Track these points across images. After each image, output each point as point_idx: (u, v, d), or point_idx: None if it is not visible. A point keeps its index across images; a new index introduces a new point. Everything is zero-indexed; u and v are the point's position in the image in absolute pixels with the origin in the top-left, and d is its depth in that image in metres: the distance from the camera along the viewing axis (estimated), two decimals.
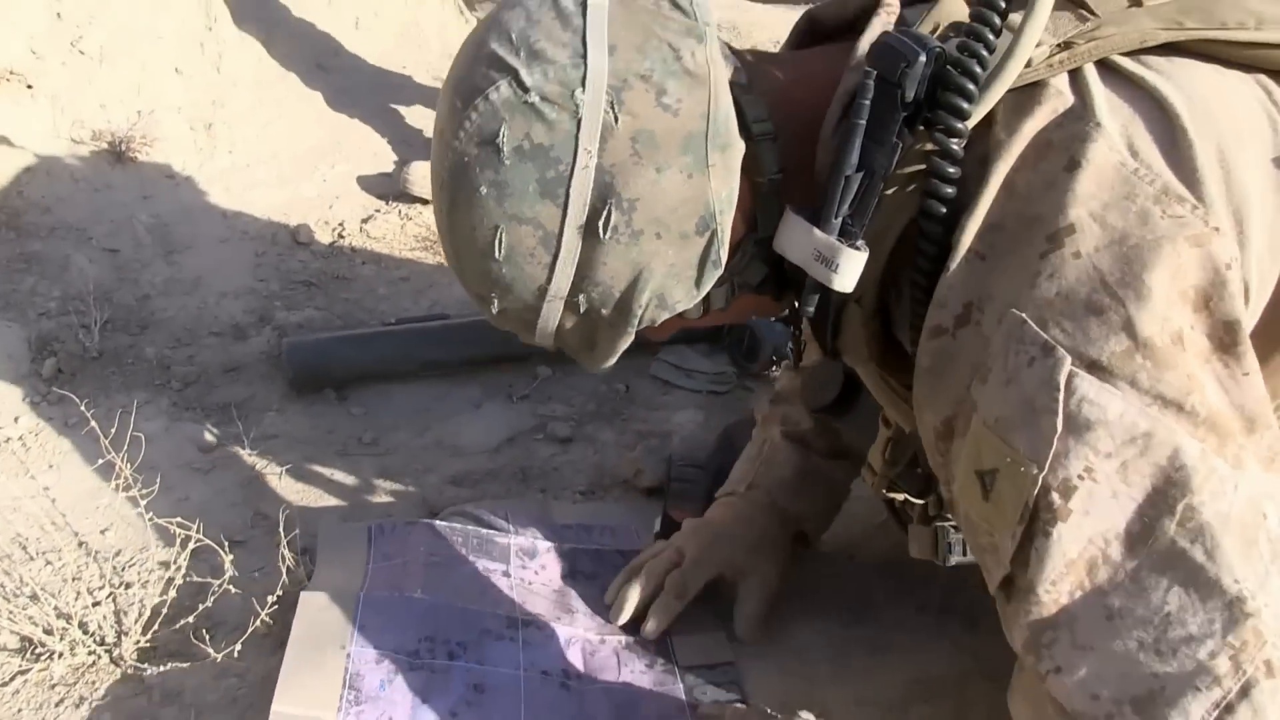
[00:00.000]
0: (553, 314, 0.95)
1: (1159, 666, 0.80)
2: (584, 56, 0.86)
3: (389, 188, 2.52)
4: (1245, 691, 0.78)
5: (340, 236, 2.33)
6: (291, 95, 2.66)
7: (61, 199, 2.21)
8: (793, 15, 1.13)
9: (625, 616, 1.34)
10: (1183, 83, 0.88)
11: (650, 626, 1.33)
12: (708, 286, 0.94)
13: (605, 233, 0.89)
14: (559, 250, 0.90)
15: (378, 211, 2.42)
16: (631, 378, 1.94)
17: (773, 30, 3.22)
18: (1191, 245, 0.81)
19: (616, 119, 0.86)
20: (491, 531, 1.49)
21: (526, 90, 0.86)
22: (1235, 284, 0.82)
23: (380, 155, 2.63)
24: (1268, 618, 0.78)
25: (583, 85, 0.86)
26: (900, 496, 1.18)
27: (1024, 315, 0.83)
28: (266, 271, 2.19)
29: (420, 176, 2.43)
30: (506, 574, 1.42)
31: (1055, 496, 0.82)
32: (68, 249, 2.10)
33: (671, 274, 0.92)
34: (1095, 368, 0.81)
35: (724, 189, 0.90)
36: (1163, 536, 0.80)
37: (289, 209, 2.38)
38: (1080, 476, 0.81)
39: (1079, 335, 0.82)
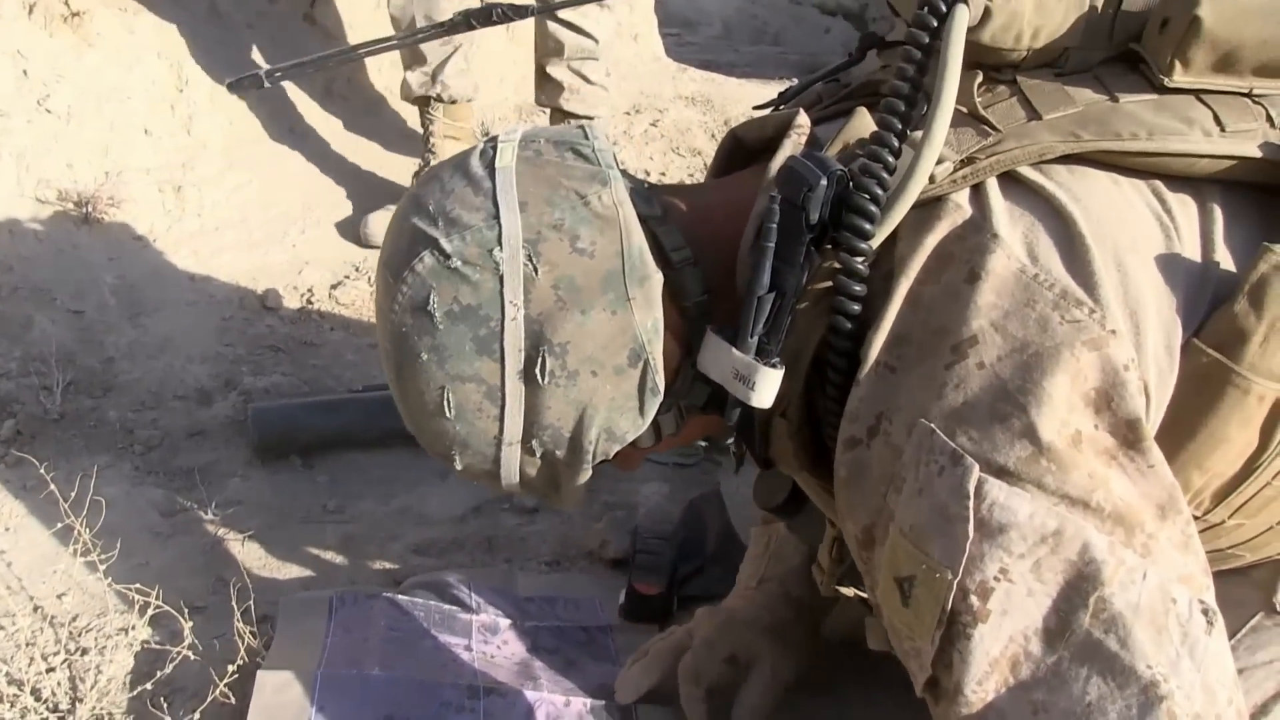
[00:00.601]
0: (512, 461, 0.98)
1: None
2: (497, 217, 0.92)
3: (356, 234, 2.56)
4: None
5: (309, 302, 2.34)
6: (262, 160, 2.67)
7: (25, 258, 2.19)
8: (765, 90, 1.17)
9: (632, 697, 1.32)
10: (1079, 193, 0.93)
11: None
12: (651, 414, 0.98)
13: (544, 378, 0.93)
14: (504, 401, 0.94)
15: (347, 278, 2.43)
16: None
17: (745, 104, 3.28)
18: (1090, 349, 0.85)
19: (536, 270, 0.91)
20: (454, 608, 1.48)
21: (448, 257, 0.91)
22: (1134, 383, 0.86)
23: (350, 223, 2.64)
24: (1180, 699, 0.81)
25: (500, 244, 0.91)
26: (850, 592, 1.20)
27: (932, 425, 0.87)
28: (233, 336, 2.18)
29: (377, 227, 2.45)
30: (469, 648, 1.41)
31: (974, 599, 0.85)
32: (30, 309, 2.09)
33: (614, 407, 0.95)
34: (1003, 473, 0.84)
35: (649, 319, 0.94)
36: (1079, 629, 0.83)
37: (257, 273, 2.38)
38: (996, 578, 0.84)
39: (985, 443, 0.85)
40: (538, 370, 0.92)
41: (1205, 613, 0.84)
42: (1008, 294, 0.87)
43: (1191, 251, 0.95)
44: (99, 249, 2.29)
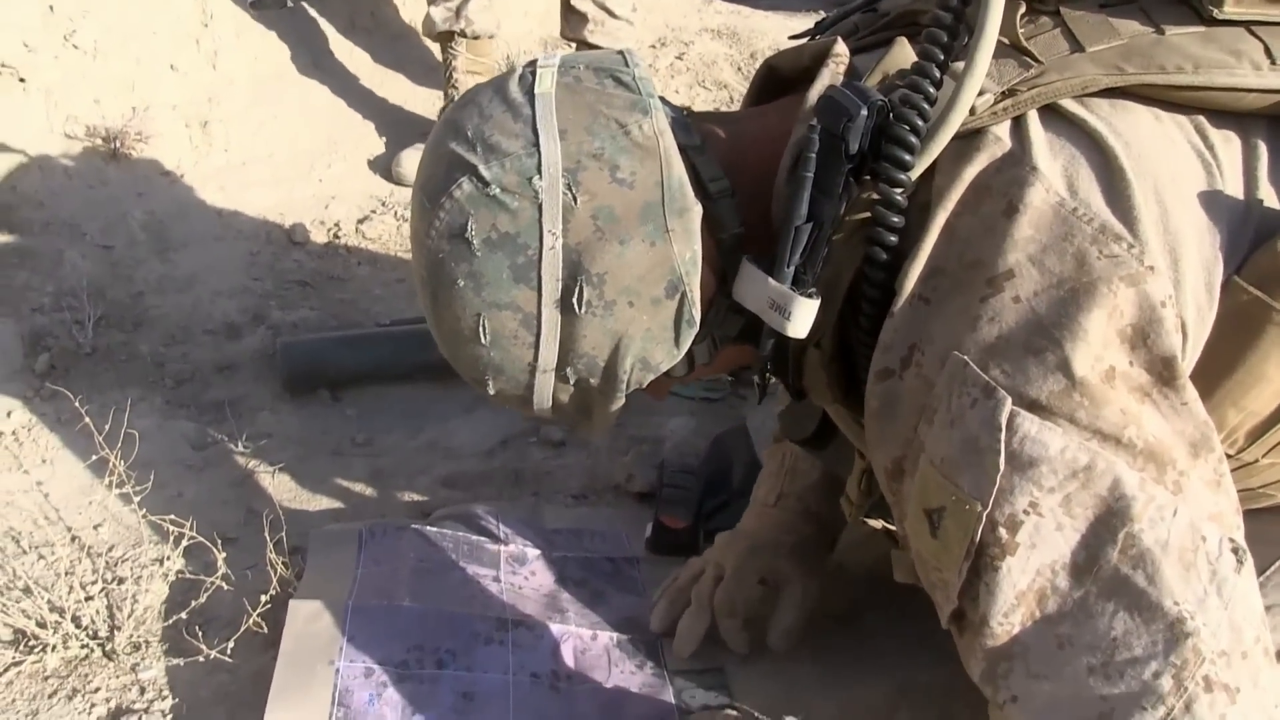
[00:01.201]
0: (546, 388, 0.99)
1: (1107, 689, 0.84)
2: (536, 145, 0.91)
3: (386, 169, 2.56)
4: (1188, 707, 0.82)
5: (336, 237, 2.34)
6: (288, 95, 2.66)
7: (55, 194, 2.21)
8: (792, 23, 1.16)
9: (692, 649, 1.32)
10: (1121, 128, 0.91)
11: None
12: (686, 345, 0.98)
13: (580, 308, 0.93)
14: (540, 329, 0.94)
15: (373, 213, 2.42)
16: None
17: (772, 37, 3.23)
18: (1127, 285, 0.84)
19: (575, 200, 0.91)
20: (482, 538, 1.49)
21: (487, 184, 0.91)
22: (1170, 320, 0.85)
23: (378, 159, 2.64)
24: (1206, 636, 0.82)
25: (539, 172, 0.91)
26: (878, 523, 1.20)
27: (966, 358, 0.87)
28: (261, 271, 2.19)
29: (410, 165, 2.44)
30: (497, 579, 1.43)
31: (1002, 531, 0.85)
32: (61, 245, 2.10)
33: (650, 338, 0.96)
34: (1036, 407, 0.84)
35: (687, 251, 0.94)
36: (1107, 565, 0.84)
37: (284, 208, 2.38)
38: (1026, 511, 0.84)
39: (1018, 376, 0.85)
40: (575, 299, 0.92)
41: (1235, 551, 0.84)
42: (1045, 228, 0.87)
43: (1234, 189, 0.93)
44: (127, 184, 2.30)
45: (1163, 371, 0.85)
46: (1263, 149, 0.95)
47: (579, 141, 0.91)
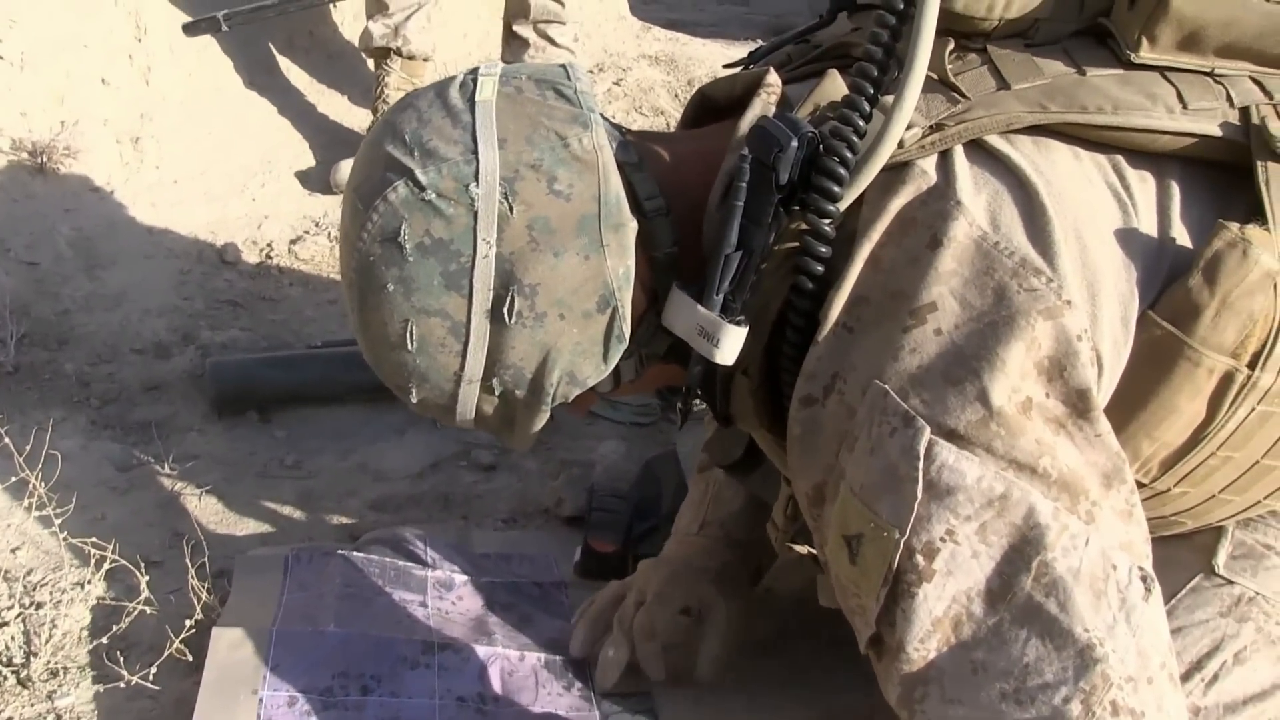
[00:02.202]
0: (470, 398, 0.99)
1: (1019, 714, 0.86)
2: (475, 152, 0.91)
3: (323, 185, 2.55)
4: None
5: (268, 257, 2.32)
6: (223, 112, 2.64)
7: None
8: (729, 51, 1.18)
9: (614, 680, 1.32)
10: (1043, 165, 0.95)
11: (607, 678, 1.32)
12: (614, 360, 0.98)
13: (511, 318, 0.93)
14: (469, 338, 0.94)
15: (306, 233, 2.41)
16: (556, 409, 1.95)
17: (709, 65, 3.27)
18: (1045, 319, 0.87)
19: (511, 209, 0.91)
20: (409, 563, 1.49)
21: (423, 189, 0.91)
22: (1086, 354, 0.88)
23: (311, 175, 2.62)
24: (1114, 662, 0.84)
25: (476, 180, 0.91)
26: (805, 549, 1.22)
27: (887, 387, 0.89)
28: (191, 290, 2.17)
29: (348, 174, 2.43)
30: (423, 604, 1.42)
31: (920, 559, 0.87)
32: None
33: (579, 351, 0.96)
34: (954, 436, 0.87)
35: (620, 266, 0.94)
36: (1020, 592, 0.86)
37: (216, 227, 2.36)
38: (942, 539, 0.86)
39: (937, 406, 0.87)
40: (505, 309, 0.92)
41: (1144, 580, 0.87)
42: (967, 261, 0.89)
43: (1148, 227, 0.96)
44: (54, 200, 2.26)
45: (1077, 403, 0.88)
46: (1176, 189, 0.98)
47: (518, 151, 0.92)
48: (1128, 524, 0.88)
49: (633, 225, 0.95)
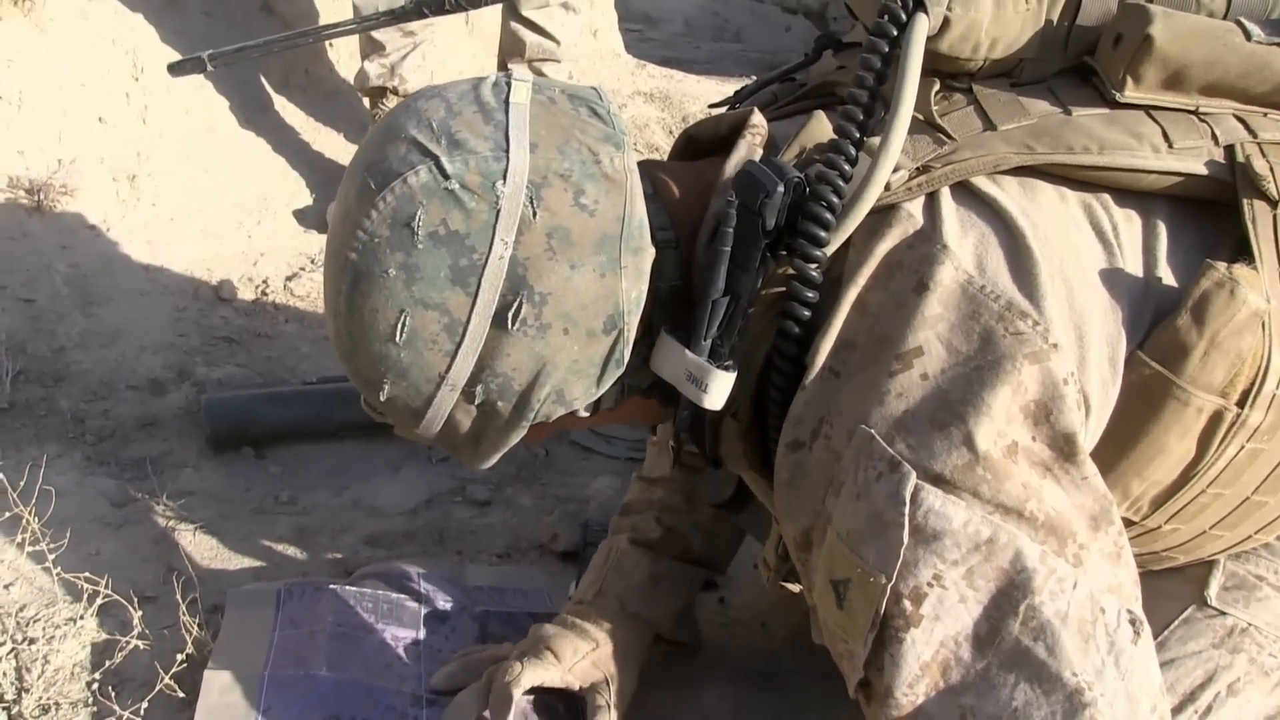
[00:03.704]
0: (445, 405, 0.96)
1: None
2: (506, 150, 0.89)
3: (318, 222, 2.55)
4: None
5: (263, 294, 2.33)
6: (219, 150, 2.66)
7: None
8: (724, 87, 1.19)
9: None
10: (1028, 207, 0.95)
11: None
12: (607, 385, 0.97)
13: (513, 324, 0.91)
14: (463, 339, 0.91)
15: (302, 270, 2.42)
16: (552, 443, 1.96)
17: (704, 101, 3.30)
18: (1031, 362, 0.87)
19: (535, 214, 0.89)
20: (403, 596, 1.48)
21: (447, 177, 0.89)
22: (1072, 397, 0.88)
23: (307, 214, 2.64)
24: (1103, 706, 0.84)
25: (504, 178, 0.89)
26: (796, 588, 1.22)
27: (873, 432, 0.89)
28: (187, 326, 2.17)
29: None
30: (416, 642, 1.41)
31: (907, 604, 0.87)
32: None
33: (573, 370, 0.94)
34: (940, 481, 0.87)
35: (634, 290, 0.94)
36: (1008, 636, 0.86)
37: (212, 264, 2.37)
38: (930, 584, 0.86)
39: (923, 451, 0.87)
40: (510, 314, 0.90)
41: (1133, 622, 0.87)
42: (954, 306, 0.89)
43: (1134, 267, 0.97)
44: (51, 237, 2.27)
45: (1064, 447, 0.88)
46: (1162, 228, 0.99)
47: (549, 158, 0.90)
48: (1116, 566, 0.88)
49: (651, 252, 0.94)
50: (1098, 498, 0.89)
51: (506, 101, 0.93)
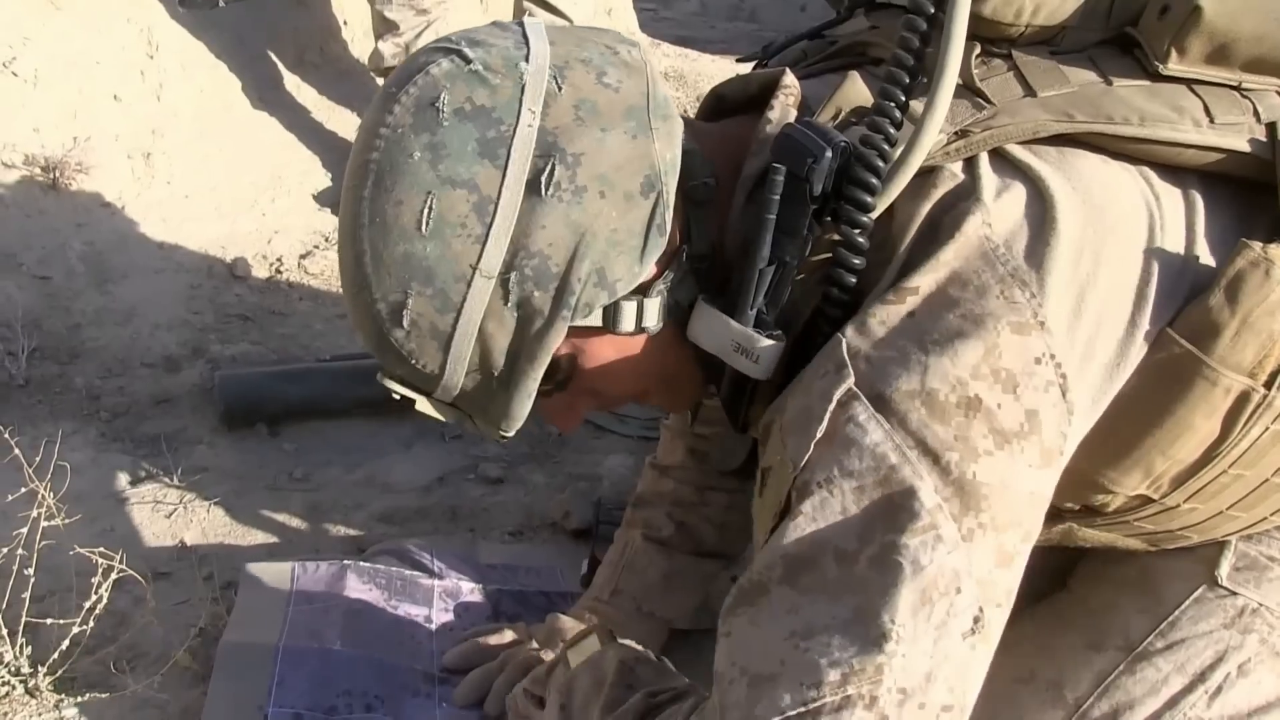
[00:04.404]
0: (477, 308, 0.89)
1: (790, 657, 0.85)
2: (527, 41, 0.91)
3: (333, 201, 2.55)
4: (838, 707, 0.83)
5: (278, 272, 2.34)
6: (233, 128, 2.66)
7: None
8: (738, 67, 1.17)
9: (467, 699, 1.29)
10: (1069, 173, 0.93)
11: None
12: (651, 260, 0.92)
13: (548, 189, 0.87)
14: (494, 216, 0.87)
15: (316, 248, 2.43)
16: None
17: (718, 80, 3.28)
18: (1012, 331, 0.86)
19: (560, 88, 0.89)
20: (416, 573, 1.49)
21: (469, 61, 0.89)
22: (1044, 378, 0.87)
23: (322, 191, 2.64)
24: (897, 667, 0.83)
25: (527, 60, 0.89)
26: None
27: (843, 337, 0.89)
28: (201, 304, 2.18)
29: None
30: (429, 619, 1.42)
31: (794, 495, 0.87)
32: None
33: (614, 242, 0.89)
34: (878, 399, 0.86)
35: (668, 152, 0.91)
36: (860, 563, 0.85)
37: (226, 242, 2.38)
38: (819, 484, 0.86)
39: (877, 368, 0.87)
40: (544, 179, 0.87)
41: (976, 620, 0.85)
42: (964, 257, 0.88)
43: (1174, 242, 0.95)
44: (66, 215, 2.28)
45: (1024, 424, 0.86)
46: (1200, 205, 0.97)
47: (568, 49, 0.91)
48: (1001, 569, 0.87)
49: (679, 121, 0.93)
50: (1033, 497, 0.87)
51: (522, 23, 0.94)
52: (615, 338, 0.97)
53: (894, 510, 0.84)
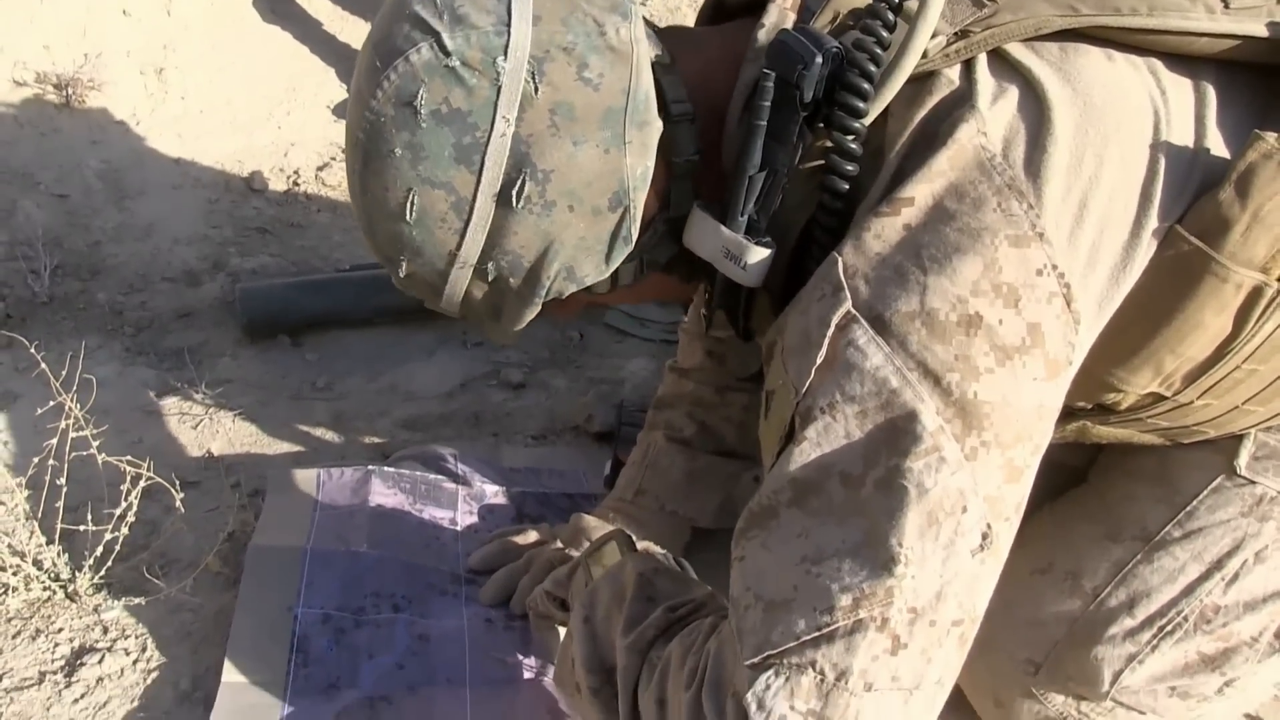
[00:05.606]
0: (461, 280, 0.97)
1: (802, 582, 0.86)
2: (508, 25, 0.88)
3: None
4: (851, 631, 0.83)
5: (295, 184, 2.33)
6: (246, 41, 2.63)
7: (6, 143, 2.18)
8: None
9: (492, 599, 1.32)
10: (1070, 73, 0.91)
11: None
12: (616, 262, 0.97)
13: (518, 202, 0.90)
14: (470, 217, 0.92)
15: (333, 160, 2.41)
16: (585, 326, 1.96)
17: None
18: (1010, 245, 0.85)
19: (537, 89, 0.88)
20: (440, 478, 1.51)
21: (448, 54, 0.87)
22: (1046, 289, 0.85)
23: (336, 104, 2.61)
24: (907, 588, 0.83)
25: (505, 53, 0.87)
26: None
27: (839, 257, 0.87)
28: (220, 218, 2.18)
29: None
30: (454, 522, 1.44)
31: (799, 420, 0.87)
32: (14, 194, 2.09)
33: (581, 247, 0.94)
34: (877, 321, 0.85)
35: (639, 166, 0.92)
36: (865, 487, 0.85)
37: (243, 156, 2.37)
38: (822, 410, 0.86)
39: (874, 288, 0.86)
40: (515, 192, 0.90)
41: (984, 536, 0.85)
42: (959, 167, 0.87)
43: (1181, 137, 0.93)
44: (81, 132, 2.27)
45: (1026, 338, 0.85)
46: (1212, 95, 0.95)
47: (552, 31, 0.89)
48: (1008, 484, 0.86)
49: (658, 126, 0.93)
50: (1041, 410, 0.86)
51: None
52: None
53: (897, 434, 0.84)
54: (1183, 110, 0.94)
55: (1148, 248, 0.91)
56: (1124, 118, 0.91)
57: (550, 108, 0.89)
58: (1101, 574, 1.13)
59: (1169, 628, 1.10)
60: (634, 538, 1.17)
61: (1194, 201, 0.92)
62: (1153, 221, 0.91)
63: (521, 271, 0.95)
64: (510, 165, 0.90)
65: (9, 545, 1.31)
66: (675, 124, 0.95)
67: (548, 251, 0.94)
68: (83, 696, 1.19)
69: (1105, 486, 1.19)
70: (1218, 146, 0.93)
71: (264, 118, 2.50)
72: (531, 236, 0.93)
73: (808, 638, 0.84)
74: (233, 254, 2.07)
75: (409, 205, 0.91)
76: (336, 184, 2.35)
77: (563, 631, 1.15)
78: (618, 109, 0.90)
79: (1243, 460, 1.10)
